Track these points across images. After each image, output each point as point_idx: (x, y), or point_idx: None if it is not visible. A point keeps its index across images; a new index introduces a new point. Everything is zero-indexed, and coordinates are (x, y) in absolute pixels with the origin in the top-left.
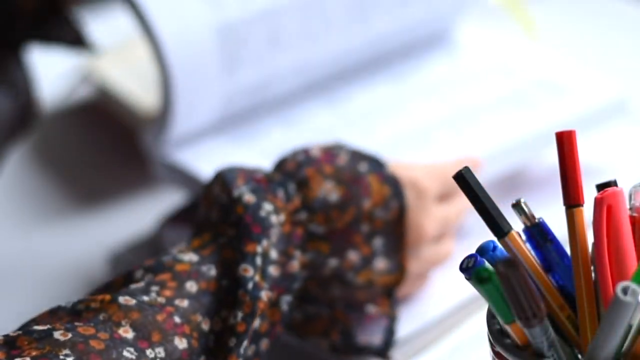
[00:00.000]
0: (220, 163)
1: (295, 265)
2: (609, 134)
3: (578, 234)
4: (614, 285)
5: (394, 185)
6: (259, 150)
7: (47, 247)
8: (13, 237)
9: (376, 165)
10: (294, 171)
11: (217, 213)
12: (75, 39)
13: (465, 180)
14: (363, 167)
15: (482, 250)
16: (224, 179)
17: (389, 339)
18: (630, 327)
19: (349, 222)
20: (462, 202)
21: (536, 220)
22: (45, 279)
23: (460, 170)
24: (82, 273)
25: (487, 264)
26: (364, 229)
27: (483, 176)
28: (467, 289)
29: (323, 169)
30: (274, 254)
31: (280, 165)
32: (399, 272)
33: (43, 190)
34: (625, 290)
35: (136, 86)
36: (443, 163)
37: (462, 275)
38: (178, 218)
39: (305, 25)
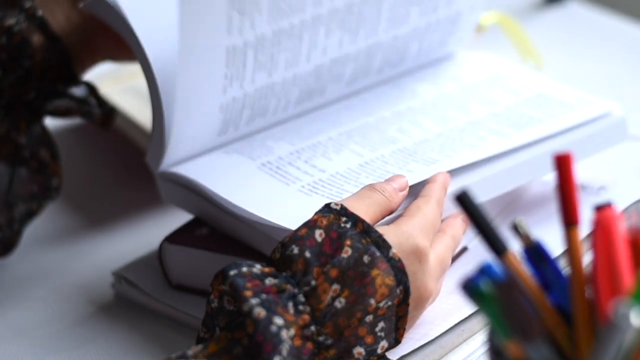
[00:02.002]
0: (220, 173)
1: None
2: (608, 151)
3: (576, 253)
4: (610, 304)
5: (398, 271)
6: (257, 159)
7: (54, 266)
8: (21, 256)
9: (379, 249)
10: (301, 275)
11: (225, 319)
12: (99, 105)
13: (464, 202)
14: (367, 258)
15: (481, 269)
16: (233, 284)
17: None
18: (625, 343)
19: (355, 325)
20: (453, 229)
21: (534, 241)
22: (52, 297)
23: (460, 194)
24: (89, 292)
25: (485, 284)
26: (368, 319)
27: (484, 195)
28: (467, 309)
29: (329, 273)
30: None
31: (288, 260)
32: (395, 344)
33: (50, 210)
34: (620, 309)
35: (138, 104)
36: (427, 208)
37: (461, 296)
38: (179, 236)
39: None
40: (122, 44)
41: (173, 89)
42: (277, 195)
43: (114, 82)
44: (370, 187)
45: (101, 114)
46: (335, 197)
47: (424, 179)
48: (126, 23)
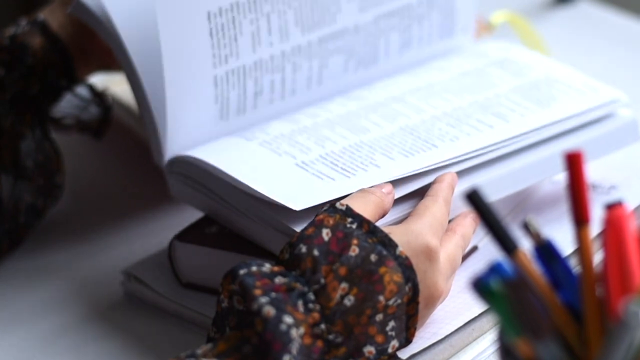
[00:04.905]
0: (224, 157)
1: None
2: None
3: (586, 252)
4: (620, 302)
5: (406, 268)
6: (260, 140)
7: (63, 265)
8: (30, 254)
9: (386, 247)
10: (310, 273)
11: (235, 319)
12: (99, 102)
13: (474, 201)
14: (374, 257)
15: (491, 268)
16: (242, 284)
17: None
18: (635, 341)
19: (365, 323)
20: (463, 228)
21: (544, 239)
22: (61, 295)
23: (470, 192)
24: (98, 291)
25: (496, 282)
26: (378, 318)
27: (494, 195)
28: (477, 308)
29: (338, 271)
30: None
31: (296, 259)
32: (406, 344)
33: (60, 208)
34: (630, 307)
35: None
36: (435, 207)
37: (472, 294)
38: (189, 234)
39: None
40: (111, 51)
41: (156, 79)
42: (283, 173)
43: (124, 81)
44: (362, 190)
45: (101, 111)
46: (335, 174)
47: (431, 181)
48: (103, 24)
